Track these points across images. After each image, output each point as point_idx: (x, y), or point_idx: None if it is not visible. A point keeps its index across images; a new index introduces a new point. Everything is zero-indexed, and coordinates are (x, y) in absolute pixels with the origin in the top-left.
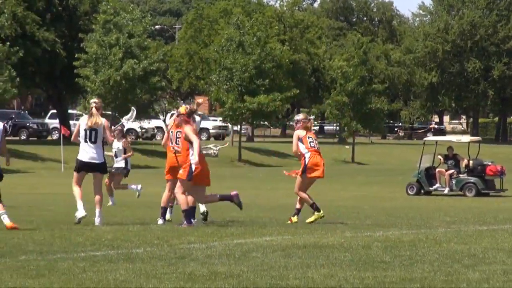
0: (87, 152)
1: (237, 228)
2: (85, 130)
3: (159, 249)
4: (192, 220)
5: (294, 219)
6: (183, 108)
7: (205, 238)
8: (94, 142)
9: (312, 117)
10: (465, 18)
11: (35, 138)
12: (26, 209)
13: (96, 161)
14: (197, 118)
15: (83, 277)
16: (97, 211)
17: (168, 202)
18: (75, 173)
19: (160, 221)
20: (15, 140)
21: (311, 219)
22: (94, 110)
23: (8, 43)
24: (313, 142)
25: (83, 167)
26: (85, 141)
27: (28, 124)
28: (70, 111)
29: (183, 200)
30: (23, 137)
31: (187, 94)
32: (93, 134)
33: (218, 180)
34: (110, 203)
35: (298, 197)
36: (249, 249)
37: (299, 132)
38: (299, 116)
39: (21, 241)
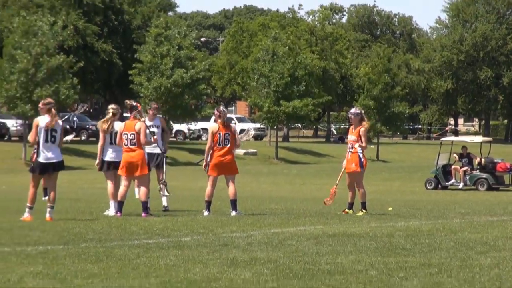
0: (111, 153)
1: (275, 219)
2: (109, 133)
3: (204, 238)
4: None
5: (361, 213)
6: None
7: (246, 227)
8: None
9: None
10: (478, 31)
11: (94, 138)
12: (86, 202)
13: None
14: (233, 122)
15: (137, 262)
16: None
17: (212, 195)
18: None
19: (205, 213)
20: (76, 140)
21: (359, 214)
22: (110, 115)
23: (71, 55)
24: None
25: (108, 166)
26: (111, 144)
27: (87, 126)
28: (125, 114)
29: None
30: (83, 138)
31: (229, 100)
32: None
33: (257, 176)
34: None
35: (360, 192)
36: (285, 238)
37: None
38: (361, 109)
39: (82, 230)
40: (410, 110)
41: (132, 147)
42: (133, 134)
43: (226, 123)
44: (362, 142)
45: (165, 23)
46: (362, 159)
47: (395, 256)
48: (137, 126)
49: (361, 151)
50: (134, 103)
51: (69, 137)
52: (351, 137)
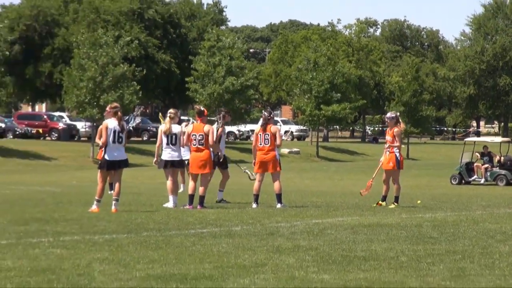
0: (169, 153)
1: (315, 211)
2: (166, 135)
3: (253, 227)
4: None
5: (393, 205)
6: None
7: (290, 218)
8: (174, 144)
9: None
10: (498, 43)
11: (154, 139)
12: (147, 195)
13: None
14: (279, 125)
15: (192, 249)
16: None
17: (259, 190)
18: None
19: (254, 205)
20: (138, 140)
21: (391, 206)
22: (168, 118)
23: (134, 64)
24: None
25: (166, 164)
26: (168, 144)
27: (148, 128)
28: (182, 117)
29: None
30: (145, 138)
31: (275, 104)
32: (173, 138)
33: (300, 172)
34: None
35: (395, 187)
36: (325, 227)
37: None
38: (396, 113)
39: (143, 220)
40: (437, 113)
41: (200, 147)
42: (202, 135)
43: (264, 125)
44: (396, 142)
45: (216, 36)
46: (399, 159)
47: (424, 244)
48: (206, 128)
49: (397, 150)
50: (202, 108)
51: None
52: (387, 137)
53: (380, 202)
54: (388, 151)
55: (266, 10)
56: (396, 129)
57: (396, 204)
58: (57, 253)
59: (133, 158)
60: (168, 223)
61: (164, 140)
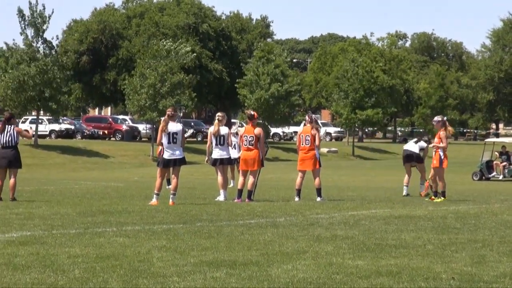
0: (218, 152)
1: (351, 204)
2: (215, 136)
3: (295, 218)
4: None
5: (439, 199)
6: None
7: (328, 210)
8: (222, 145)
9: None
10: None
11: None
12: (201, 190)
13: (226, 157)
14: (321, 126)
15: (241, 238)
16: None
17: (301, 185)
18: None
19: (296, 199)
20: (193, 140)
21: (438, 200)
22: (216, 121)
23: (190, 74)
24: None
25: (216, 162)
26: (216, 145)
27: (202, 130)
28: (232, 120)
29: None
30: (199, 139)
31: (316, 109)
32: (221, 139)
33: (337, 169)
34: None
35: (440, 182)
36: (360, 218)
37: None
38: (442, 117)
39: (197, 212)
40: (460, 117)
41: (250, 147)
42: (252, 136)
43: (309, 126)
44: (442, 143)
45: (270, 47)
46: (443, 158)
47: (448, 233)
48: (257, 131)
49: (442, 151)
50: (252, 113)
51: (186, 134)
52: (435, 139)
53: (432, 197)
54: (435, 151)
55: (308, 24)
56: (441, 132)
57: (443, 198)
58: (120, 241)
59: (189, 156)
60: (219, 214)
61: (214, 140)
